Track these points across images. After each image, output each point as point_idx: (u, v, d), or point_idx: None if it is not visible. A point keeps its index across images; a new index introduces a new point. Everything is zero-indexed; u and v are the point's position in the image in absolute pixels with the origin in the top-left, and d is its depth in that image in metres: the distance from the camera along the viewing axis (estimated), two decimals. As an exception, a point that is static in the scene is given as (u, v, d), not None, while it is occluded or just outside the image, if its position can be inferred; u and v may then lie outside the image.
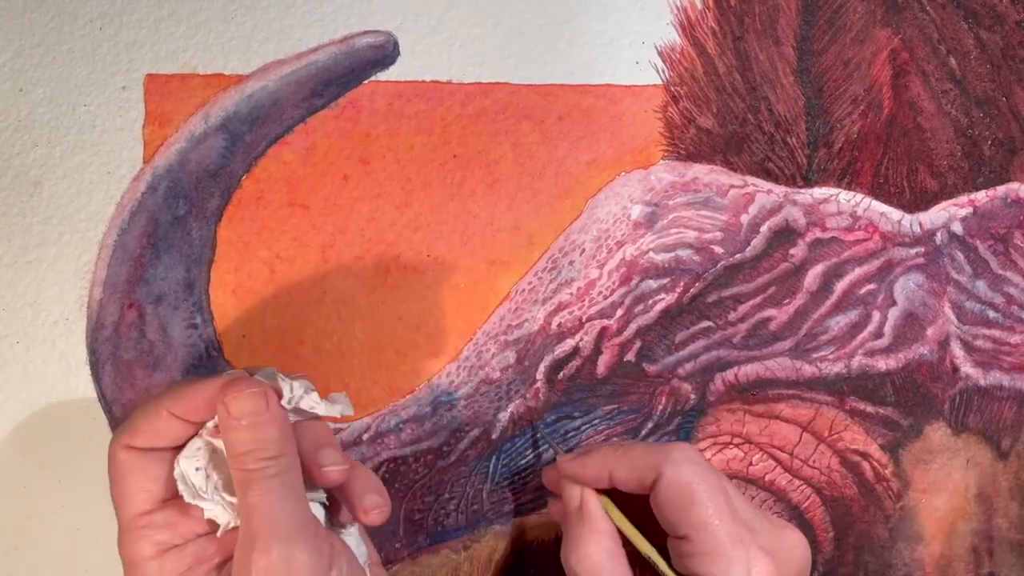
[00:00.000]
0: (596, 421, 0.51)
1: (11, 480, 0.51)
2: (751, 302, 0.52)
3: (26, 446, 0.51)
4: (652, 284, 0.52)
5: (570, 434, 0.51)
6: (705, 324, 0.52)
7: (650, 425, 0.52)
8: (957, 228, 0.53)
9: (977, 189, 0.53)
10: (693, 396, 0.52)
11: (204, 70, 0.51)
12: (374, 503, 0.41)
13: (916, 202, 0.53)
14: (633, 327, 0.51)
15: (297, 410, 0.41)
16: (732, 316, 0.52)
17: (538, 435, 0.51)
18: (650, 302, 0.51)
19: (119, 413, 0.50)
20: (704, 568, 0.42)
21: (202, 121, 0.51)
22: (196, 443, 0.40)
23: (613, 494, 0.46)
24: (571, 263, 0.52)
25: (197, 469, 0.40)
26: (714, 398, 0.52)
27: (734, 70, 0.53)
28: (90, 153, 0.51)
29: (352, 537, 0.42)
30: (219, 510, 0.40)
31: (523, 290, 0.52)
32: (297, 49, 0.51)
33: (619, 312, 0.51)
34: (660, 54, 0.53)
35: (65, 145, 0.51)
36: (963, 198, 0.53)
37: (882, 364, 0.52)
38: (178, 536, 0.40)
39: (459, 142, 0.52)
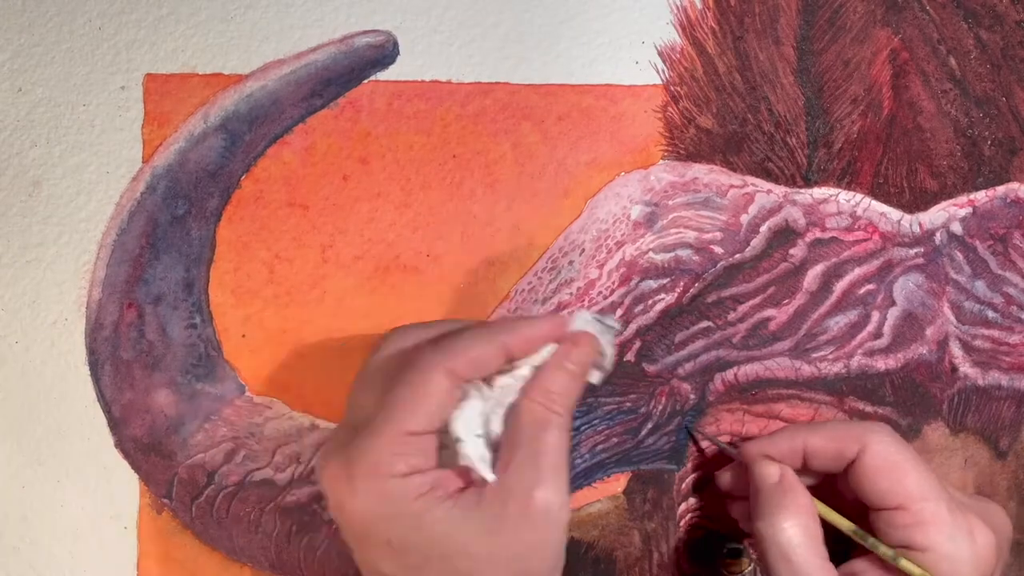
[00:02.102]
0: (596, 421, 0.51)
1: (10, 480, 0.51)
2: (751, 302, 0.52)
3: (25, 446, 0.51)
4: (652, 284, 0.52)
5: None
6: (705, 324, 0.52)
7: (650, 425, 0.52)
8: (956, 228, 0.53)
9: (977, 189, 0.53)
10: (693, 396, 0.52)
11: (203, 70, 0.51)
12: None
13: (916, 202, 0.53)
14: (633, 327, 0.51)
15: None
16: (732, 316, 0.52)
17: (694, 433, 0.51)
18: (650, 302, 0.51)
19: (118, 413, 0.51)
20: (925, 538, 0.42)
21: (201, 121, 0.50)
22: (474, 406, 0.40)
23: None
24: (571, 263, 0.52)
25: (478, 436, 0.40)
26: (713, 398, 0.52)
27: (734, 70, 0.53)
28: (89, 153, 0.51)
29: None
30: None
31: (523, 290, 0.52)
32: (297, 49, 0.51)
33: (619, 312, 0.51)
34: (660, 54, 0.53)
35: (64, 145, 0.51)
36: (962, 198, 0.53)
37: (881, 364, 0.52)
38: (429, 463, 0.39)
39: (459, 142, 0.52)
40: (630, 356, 0.51)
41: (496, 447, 0.40)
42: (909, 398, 0.52)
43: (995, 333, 0.52)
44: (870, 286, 0.52)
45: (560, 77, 0.52)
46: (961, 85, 0.53)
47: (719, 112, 0.53)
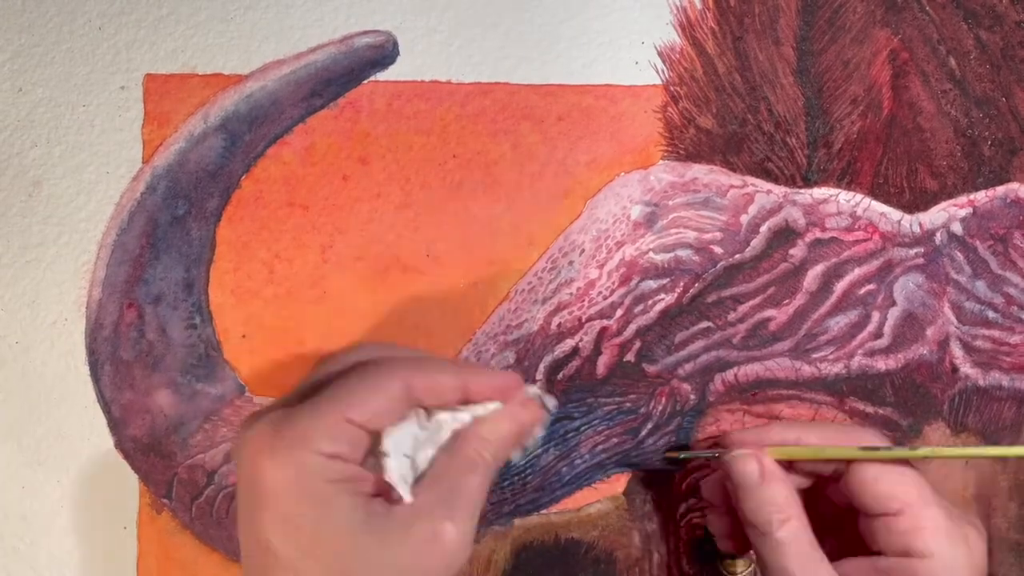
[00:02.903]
0: (596, 421, 0.51)
1: (10, 480, 0.51)
2: (751, 302, 0.52)
3: (25, 446, 0.51)
4: (652, 284, 0.52)
5: (570, 434, 0.51)
6: (705, 324, 0.52)
7: (650, 425, 0.52)
8: (957, 228, 0.52)
9: (977, 189, 0.53)
10: (693, 396, 0.52)
11: (203, 70, 0.51)
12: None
13: (916, 202, 0.53)
14: (633, 327, 0.51)
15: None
16: (732, 316, 0.52)
17: (681, 456, 0.51)
18: (650, 302, 0.51)
19: (118, 413, 0.50)
20: (924, 544, 0.42)
21: (201, 121, 0.51)
22: (409, 428, 0.40)
23: None
24: (571, 263, 0.52)
25: (405, 456, 0.40)
26: (714, 398, 0.52)
27: (734, 70, 0.53)
28: (89, 153, 0.51)
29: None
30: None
31: (523, 290, 0.52)
32: (296, 49, 0.51)
33: (619, 312, 0.51)
34: (660, 54, 0.53)
35: (64, 145, 0.51)
36: (963, 198, 0.53)
37: (881, 364, 0.52)
38: (354, 455, 0.39)
39: (458, 142, 0.52)
40: (630, 356, 0.51)
41: (418, 477, 0.40)
42: (910, 398, 0.52)
43: (996, 333, 0.52)
44: (870, 286, 0.52)
45: (560, 77, 0.52)
46: (961, 85, 0.53)
47: (719, 112, 0.53)
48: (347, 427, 0.38)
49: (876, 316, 0.52)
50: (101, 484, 0.51)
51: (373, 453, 0.40)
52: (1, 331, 0.51)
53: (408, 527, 0.38)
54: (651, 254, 0.52)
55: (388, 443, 0.39)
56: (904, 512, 0.42)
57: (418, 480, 0.40)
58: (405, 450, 0.40)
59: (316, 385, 0.39)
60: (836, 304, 0.52)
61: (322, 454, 0.37)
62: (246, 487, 0.38)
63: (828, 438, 0.45)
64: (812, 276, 0.52)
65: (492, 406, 0.42)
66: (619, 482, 0.52)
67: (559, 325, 0.51)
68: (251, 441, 0.38)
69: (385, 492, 0.40)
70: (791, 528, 0.43)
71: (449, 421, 0.41)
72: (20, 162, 0.51)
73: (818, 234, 0.52)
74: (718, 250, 0.52)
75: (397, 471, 0.39)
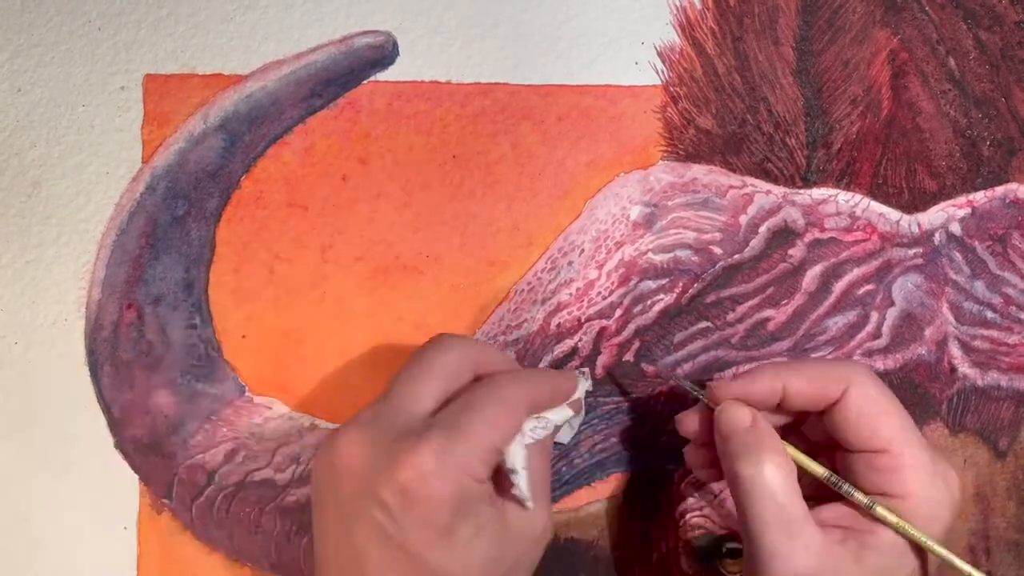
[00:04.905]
0: (595, 421, 0.51)
1: (10, 480, 0.51)
2: (749, 303, 0.52)
3: (24, 446, 0.51)
4: (651, 285, 0.52)
5: (569, 434, 0.52)
6: (704, 324, 0.52)
7: (649, 426, 0.52)
8: (955, 229, 0.53)
9: (976, 190, 0.53)
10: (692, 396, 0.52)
11: (203, 70, 0.51)
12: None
13: (915, 202, 0.53)
14: (632, 327, 0.51)
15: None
16: (731, 316, 0.52)
17: (676, 383, 0.51)
18: (649, 303, 0.51)
19: (118, 413, 0.51)
20: (903, 485, 0.41)
21: (201, 121, 0.50)
22: (521, 441, 0.43)
23: None
24: (570, 264, 0.52)
25: (523, 468, 0.42)
26: (713, 398, 0.52)
27: (733, 71, 0.53)
28: (89, 153, 0.51)
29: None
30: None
31: (522, 290, 0.52)
32: (296, 49, 0.51)
33: (618, 312, 0.51)
34: (659, 54, 0.53)
35: (64, 145, 0.51)
36: (962, 199, 0.53)
37: (880, 364, 0.52)
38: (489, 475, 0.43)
39: (458, 142, 0.52)
40: (629, 356, 0.51)
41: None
42: (908, 398, 0.52)
43: (994, 333, 0.52)
44: (869, 286, 0.52)
45: (560, 77, 0.52)
46: (960, 85, 0.53)
47: (718, 113, 0.53)
48: (495, 454, 0.41)
49: (875, 316, 0.52)
50: (101, 484, 0.51)
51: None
52: (1, 331, 0.51)
53: (532, 525, 0.42)
54: (650, 254, 0.52)
55: (515, 461, 0.42)
56: (887, 450, 0.41)
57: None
58: (523, 464, 0.42)
59: (426, 394, 0.42)
60: (835, 304, 0.52)
61: (480, 480, 0.40)
62: (407, 503, 0.39)
63: (815, 378, 0.43)
64: (811, 276, 0.52)
65: (565, 408, 0.46)
66: (619, 481, 0.52)
67: (558, 325, 0.51)
68: (409, 462, 0.39)
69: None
70: (771, 474, 0.41)
71: (542, 430, 0.44)
72: (19, 162, 0.51)
73: (817, 234, 0.52)
74: (717, 250, 0.52)
75: (525, 486, 0.42)
